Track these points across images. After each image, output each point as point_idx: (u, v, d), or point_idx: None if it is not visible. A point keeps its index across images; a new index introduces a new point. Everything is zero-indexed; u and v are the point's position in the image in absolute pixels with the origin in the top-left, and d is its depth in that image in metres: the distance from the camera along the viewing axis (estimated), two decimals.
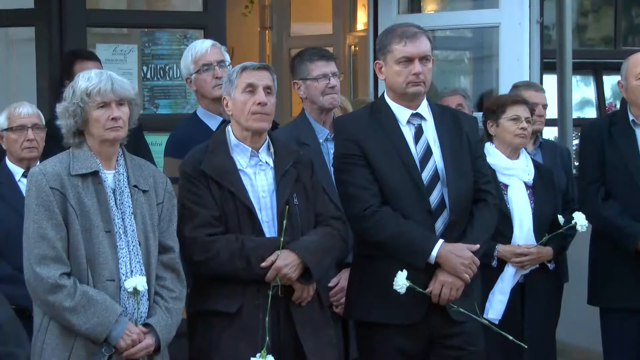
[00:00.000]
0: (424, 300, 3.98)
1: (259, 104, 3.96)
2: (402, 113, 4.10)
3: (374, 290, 4.05)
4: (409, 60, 4.01)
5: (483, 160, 4.28)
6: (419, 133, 4.09)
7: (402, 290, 3.90)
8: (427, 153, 4.06)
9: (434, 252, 3.94)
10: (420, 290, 3.94)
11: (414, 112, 4.10)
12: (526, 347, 4.22)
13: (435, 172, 4.04)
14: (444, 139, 4.10)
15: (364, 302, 4.11)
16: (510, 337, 4.12)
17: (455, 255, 3.95)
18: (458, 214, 4.04)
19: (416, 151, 4.06)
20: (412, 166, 4.02)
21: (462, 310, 4.00)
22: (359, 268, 4.18)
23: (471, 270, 3.98)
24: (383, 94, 4.20)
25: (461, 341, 4.07)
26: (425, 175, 4.03)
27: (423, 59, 4.03)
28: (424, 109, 4.14)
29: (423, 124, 4.12)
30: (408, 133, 4.09)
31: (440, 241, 3.97)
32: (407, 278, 3.89)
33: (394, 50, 4.03)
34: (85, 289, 3.60)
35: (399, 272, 3.90)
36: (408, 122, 4.10)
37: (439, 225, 4.03)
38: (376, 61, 4.13)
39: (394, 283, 3.90)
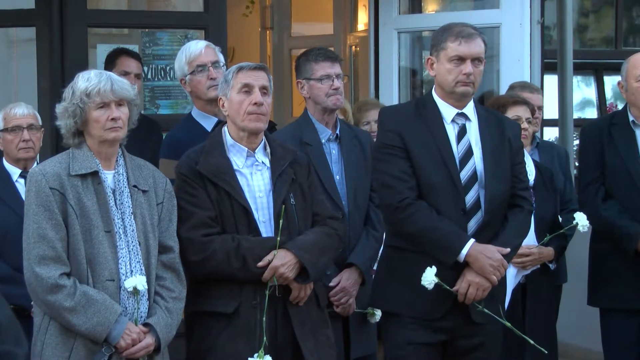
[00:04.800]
0: (448, 297, 3.99)
1: (255, 104, 3.96)
2: (447, 111, 4.11)
3: (399, 281, 4.07)
4: (461, 59, 4.02)
5: (522, 167, 4.27)
6: (462, 132, 4.10)
7: (430, 286, 3.91)
8: (468, 153, 4.07)
9: (464, 251, 3.95)
10: (447, 287, 3.95)
11: (460, 111, 4.12)
12: (546, 352, 4.20)
13: (474, 172, 4.05)
14: (486, 142, 4.11)
15: (389, 293, 4.14)
16: (532, 342, 4.13)
17: (485, 256, 3.95)
18: (492, 216, 4.05)
19: (457, 150, 4.07)
20: (451, 164, 4.03)
21: (486, 310, 4.01)
22: (387, 258, 4.21)
23: (499, 273, 3.99)
24: (431, 90, 4.20)
25: (481, 341, 4.09)
26: (464, 174, 4.04)
27: (475, 60, 4.04)
28: (470, 109, 4.15)
29: (467, 124, 4.13)
30: (451, 131, 4.10)
31: (472, 240, 3.97)
32: (435, 274, 3.91)
33: (448, 47, 4.04)
34: (85, 289, 3.60)
35: (428, 268, 3.91)
36: (452, 120, 4.11)
37: (472, 225, 4.04)
38: (428, 57, 4.14)
39: (422, 278, 3.91)
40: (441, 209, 4.01)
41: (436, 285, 3.92)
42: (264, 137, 4.07)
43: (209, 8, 6.39)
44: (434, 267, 3.91)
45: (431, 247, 3.99)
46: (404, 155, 4.04)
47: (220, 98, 4.07)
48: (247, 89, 3.98)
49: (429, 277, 3.91)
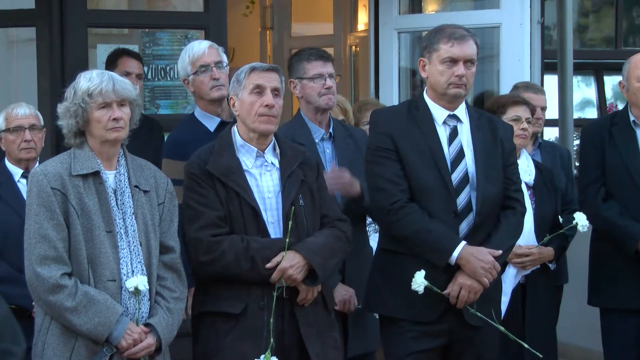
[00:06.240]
0: (441, 300, 4.00)
1: (267, 106, 3.95)
2: (439, 113, 4.12)
3: (394, 285, 4.08)
4: (453, 61, 4.03)
5: (515, 168, 4.27)
6: (453, 134, 4.11)
7: (420, 289, 3.92)
8: (459, 155, 4.08)
9: (455, 253, 3.96)
10: (438, 291, 3.96)
11: (451, 113, 4.12)
12: (541, 356, 4.20)
13: (466, 174, 4.06)
14: (478, 143, 4.11)
15: (384, 296, 4.14)
16: (526, 346, 4.14)
17: (477, 259, 3.96)
18: (483, 218, 4.05)
19: (449, 152, 4.08)
20: (443, 166, 4.04)
21: (479, 314, 4.01)
22: (381, 262, 4.21)
23: (491, 275, 3.99)
24: (423, 91, 4.21)
25: (478, 342, 4.10)
26: (455, 176, 4.05)
27: (468, 62, 4.05)
28: (462, 111, 4.15)
29: (459, 126, 4.13)
30: (443, 133, 4.11)
31: (463, 243, 3.98)
32: (426, 278, 3.91)
33: (440, 49, 4.04)
34: (86, 289, 3.60)
35: (417, 272, 3.92)
36: (444, 122, 4.12)
37: (464, 227, 4.04)
38: (420, 58, 4.14)
39: (412, 282, 3.92)
40: (433, 211, 4.01)
41: (427, 288, 3.92)
42: (273, 138, 4.06)
43: (209, 8, 6.39)
44: (422, 270, 3.92)
45: (423, 250, 3.99)
46: (396, 158, 4.05)
47: (232, 97, 4.06)
48: (259, 90, 3.97)
49: (419, 279, 3.92)
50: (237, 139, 4.03)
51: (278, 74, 4.04)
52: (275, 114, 3.98)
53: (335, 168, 4.54)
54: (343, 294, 4.50)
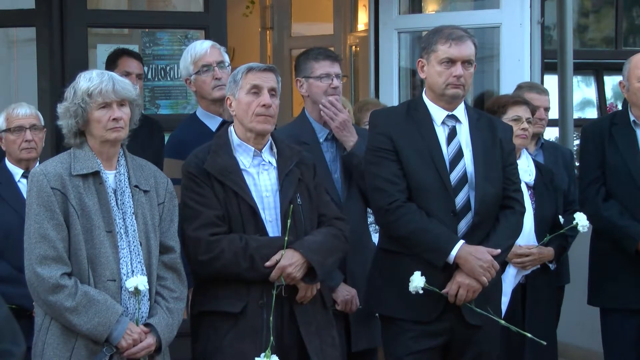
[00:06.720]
0: (440, 299, 4.01)
1: (264, 105, 3.96)
2: (438, 113, 4.13)
3: (393, 284, 4.09)
4: (451, 62, 4.05)
5: (514, 169, 4.29)
6: (452, 134, 4.12)
7: (419, 289, 3.93)
8: (458, 155, 4.09)
9: (454, 252, 3.97)
10: (437, 290, 3.97)
11: (450, 113, 4.13)
12: (545, 343, 4.21)
13: (464, 174, 4.07)
14: (477, 144, 4.13)
15: (383, 296, 4.16)
16: (529, 335, 4.16)
17: (475, 258, 3.97)
18: (482, 218, 4.06)
19: (447, 152, 4.09)
20: (441, 166, 4.05)
21: (478, 310, 4.02)
22: (380, 261, 4.22)
23: (489, 274, 4.00)
24: (422, 92, 4.23)
25: (478, 341, 4.11)
26: (454, 176, 4.06)
27: (466, 62, 4.07)
28: (460, 111, 4.17)
29: (457, 126, 4.15)
30: (441, 133, 4.12)
31: (461, 242, 3.99)
32: (424, 277, 3.92)
33: (438, 50, 4.06)
34: (86, 289, 3.60)
35: (415, 273, 3.93)
36: (443, 122, 4.13)
37: (462, 226, 4.05)
38: (419, 59, 4.17)
39: (409, 284, 3.94)
40: (431, 211, 4.03)
41: (425, 289, 3.94)
42: (270, 137, 4.07)
43: (209, 8, 6.39)
44: (418, 272, 3.94)
45: (421, 250, 4.01)
46: (395, 158, 4.07)
47: (228, 97, 4.07)
48: (256, 90, 3.98)
49: (416, 280, 3.94)
50: (234, 139, 4.03)
51: (275, 74, 4.05)
52: (272, 114, 3.99)
53: (331, 100, 4.56)
54: (345, 294, 4.51)
